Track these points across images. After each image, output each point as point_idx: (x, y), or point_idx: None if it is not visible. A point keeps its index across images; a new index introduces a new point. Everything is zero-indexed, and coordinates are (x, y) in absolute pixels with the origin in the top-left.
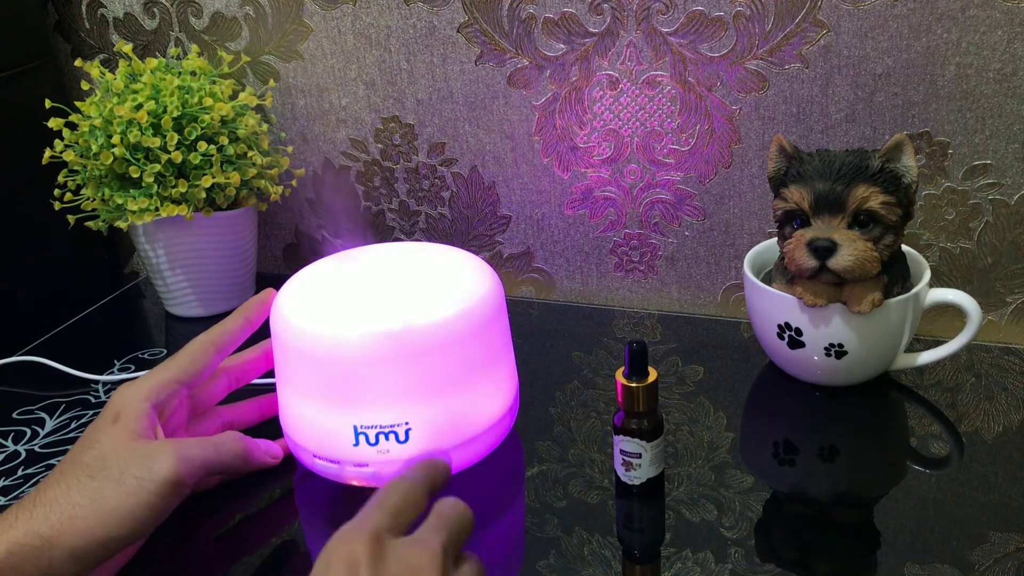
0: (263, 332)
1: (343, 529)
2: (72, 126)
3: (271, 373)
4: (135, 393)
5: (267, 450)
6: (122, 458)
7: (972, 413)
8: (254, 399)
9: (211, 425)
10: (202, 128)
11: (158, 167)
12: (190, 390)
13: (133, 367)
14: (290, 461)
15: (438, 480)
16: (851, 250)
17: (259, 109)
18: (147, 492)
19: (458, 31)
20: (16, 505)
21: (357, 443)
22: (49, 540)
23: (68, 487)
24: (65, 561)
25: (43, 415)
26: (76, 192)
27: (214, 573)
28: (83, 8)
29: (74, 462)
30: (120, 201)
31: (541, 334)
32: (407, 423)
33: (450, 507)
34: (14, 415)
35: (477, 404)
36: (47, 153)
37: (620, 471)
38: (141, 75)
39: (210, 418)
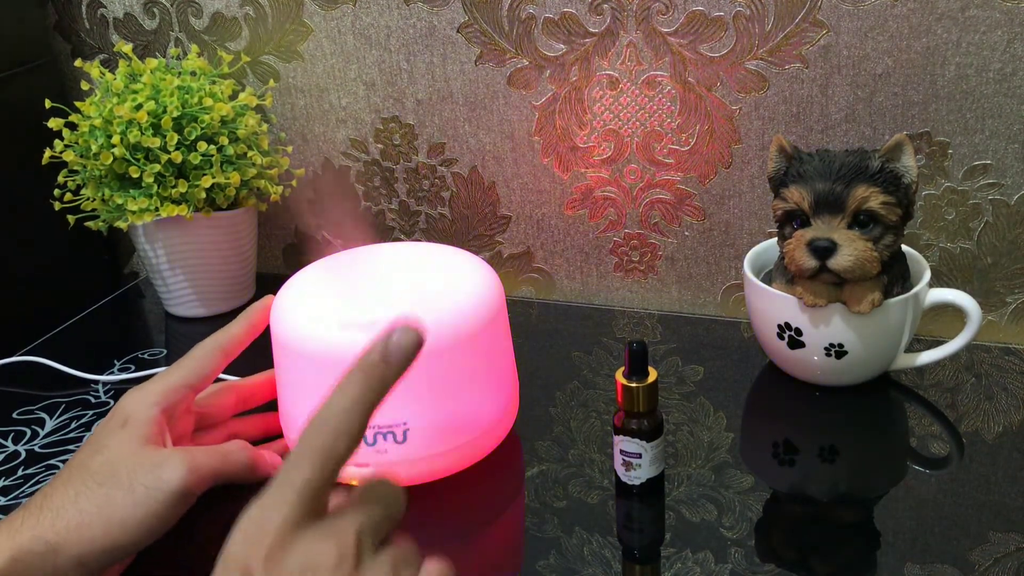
0: (266, 336)
1: (243, 524)
2: (72, 126)
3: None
4: (144, 398)
5: (272, 462)
6: (131, 465)
7: (972, 413)
8: (260, 415)
9: (216, 436)
10: (202, 128)
11: (158, 167)
12: (196, 394)
13: (133, 367)
14: None
15: (387, 380)
16: (851, 250)
17: (259, 109)
18: (156, 502)
19: (458, 31)
20: (22, 509)
21: None
22: (55, 547)
23: (76, 493)
24: (71, 568)
25: (43, 415)
26: (76, 192)
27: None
28: (83, 8)
29: (81, 467)
30: (120, 201)
31: (541, 334)
32: (405, 423)
33: (375, 484)
34: (14, 415)
35: (477, 404)
36: (47, 153)
37: (620, 471)
38: (141, 75)
39: (216, 431)
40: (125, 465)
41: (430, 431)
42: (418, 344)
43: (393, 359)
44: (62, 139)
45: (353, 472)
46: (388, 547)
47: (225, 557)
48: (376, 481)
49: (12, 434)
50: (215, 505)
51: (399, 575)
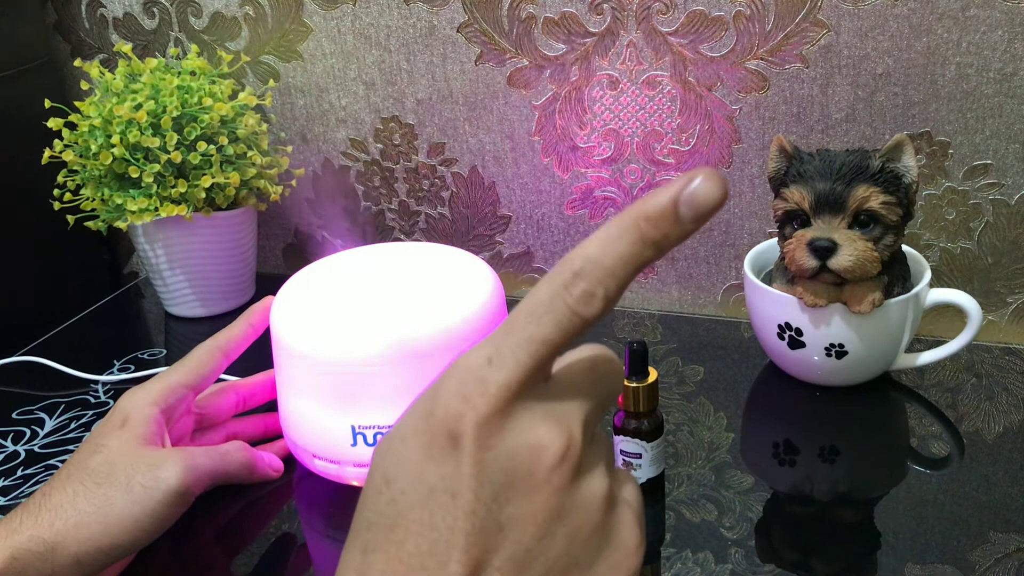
0: (266, 336)
1: (459, 374)
2: (71, 126)
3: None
4: (143, 397)
5: (270, 463)
6: (129, 465)
7: (972, 413)
8: (260, 415)
9: (215, 437)
10: (202, 128)
11: (157, 167)
12: (196, 395)
13: (133, 367)
14: (290, 461)
15: (671, 238)
16: (851, 250)
17: (259, 109)
18: (154, 501)
19: (458, 31)
20: (21, 508)
21: (355, 443)
22: (53, 546)
23: (74, 492)
24: (69, 567)
25: (43, 415)
26: (76, 192)
27: (214, 572)
28: (83, 8)
29: (80, 466)
30: (120, 201)
31: None
32: None
33: (602, 361)
34: (14, 415)
35: None
36: (47, 153)
37: None
38: (140, 75)
39: (215, 430)
40: (123, 465)
41: None
42: (722, 200)
43: (688, 213)
44: (62, 139)
45: (354, 472)
46: (602, 445)
47: (431, 410)
48: (603, 357)
49: (12, 434)
50: (213, 505)
51: (616, 490)
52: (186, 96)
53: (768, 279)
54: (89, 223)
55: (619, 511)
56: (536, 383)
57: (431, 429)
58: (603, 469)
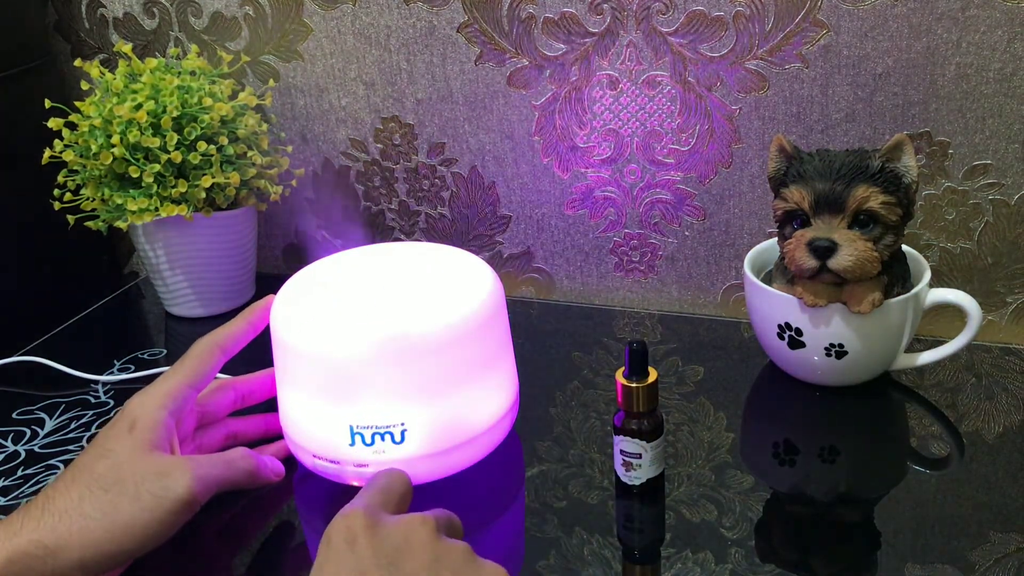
0: (266, 336)
1: (340, 512)
2: (72, 126)
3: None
4: (151, 401)
5: (273, 468)
6: (137, 472)
7: (972, 413)
8: (260, 415)
9: (216, 435)
10: (202, 128)
11: (158, 167)
12: (198, 393)
13: (133, 367)
14: (290, 461)
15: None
16: (851, 250)
17: (259, 109)
18: (162, 509)
19: (458, 31)
20: (23, 511)
21: (353, 443)
22: (54, 551)
23: (80, 497)
24: (71, 571)
25: (43, 415)
26: (76, 192)
27: (214, 572)
28: (83, 8)
29: (86, 470)
30: (120, 201)
31: (541, 334)
32: (403, 424)
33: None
34: (14, 415)
35: (476, 405)
36: (47, 153)
37: (620, 471)
38: (141, 75)
39: (216, 428)
40: (131, 471)
41: (428, 431)
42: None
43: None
44: (62, 139)
45: (354, 472)
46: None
47: (326, 536)
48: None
49: (12, 434)
50: (213, 505)
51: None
52: (186, 96)
53: (768, 279)
54: (89, 223)
55: None
56: (388, 508)
57: (335, 538)
58: (463, 551)
